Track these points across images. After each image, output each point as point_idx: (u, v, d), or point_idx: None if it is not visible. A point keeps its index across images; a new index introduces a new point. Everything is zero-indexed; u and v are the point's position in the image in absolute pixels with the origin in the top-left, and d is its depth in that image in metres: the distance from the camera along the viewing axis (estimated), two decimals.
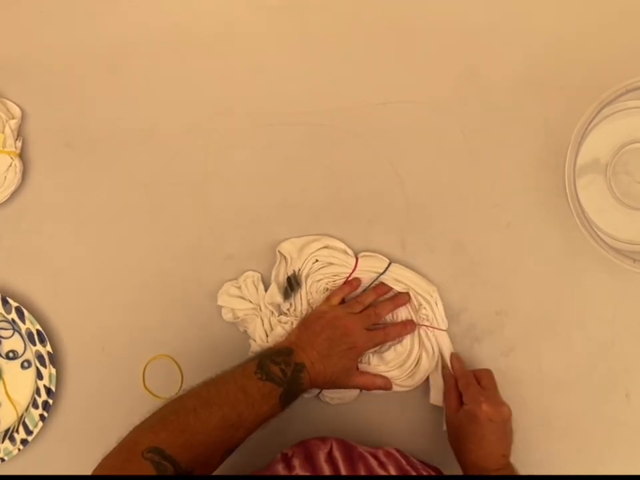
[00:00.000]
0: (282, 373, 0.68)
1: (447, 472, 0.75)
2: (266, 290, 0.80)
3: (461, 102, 0.81)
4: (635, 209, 0.79)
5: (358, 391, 0.80)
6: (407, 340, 0.79)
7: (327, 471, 0.61)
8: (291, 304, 0.79)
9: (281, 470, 0.62)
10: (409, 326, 0.78)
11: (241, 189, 0.82)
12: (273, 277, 0.80)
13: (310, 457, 0.63)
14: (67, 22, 0.83)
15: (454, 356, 0.79)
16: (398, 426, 0.81)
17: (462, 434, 0.72)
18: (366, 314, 0.77)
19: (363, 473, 0.61)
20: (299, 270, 0.79)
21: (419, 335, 0.79)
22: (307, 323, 0.76)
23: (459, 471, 0.73)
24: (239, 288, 0.80)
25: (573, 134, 0.71)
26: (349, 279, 0.79)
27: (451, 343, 0.80)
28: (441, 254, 0.81)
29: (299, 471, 0.61)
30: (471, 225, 0.81)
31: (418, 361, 0.79)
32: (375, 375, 0.77)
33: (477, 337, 0.81)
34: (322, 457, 0.63)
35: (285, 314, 0.79)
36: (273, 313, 0.79)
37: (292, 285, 0.79)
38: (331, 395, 0.79)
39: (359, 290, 0.80)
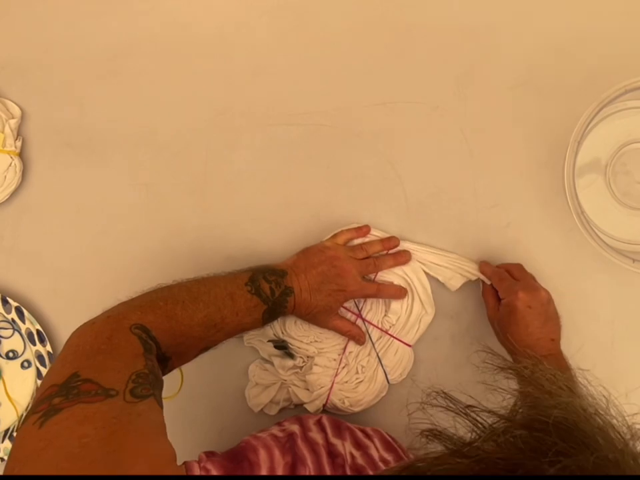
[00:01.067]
0: (270, 292, 0.69)
1: None
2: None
3: (461, 102, 0.81)
4: (634, 208, 0.79)
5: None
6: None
7: (314, 429, 0.62)
8: (296, 354, 0.79)
9: (274, 430, 0.62)
10: (402, 292, 0.78)
11: (241, 189, 0.82)
12: (266, 356, 0.80)
13: (300, 419, 0.65)
14: (67, 22, 0.83)
15: (482, 263, 0.79)
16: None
17: (506, 328, 0.72)
18: (365, 262, 0.77)
19: (348, 439, 0.61)
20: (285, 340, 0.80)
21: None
22: (308, 253, 0.76)
23: None
24: (256, 384, 0.80)
25: (572, 134, 0.71)
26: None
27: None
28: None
29: (286, 426, 0.62)
30: (471, 225, 0.81)
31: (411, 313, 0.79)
32: (353, 324, 0.77)
33: (477, 337, 0.81)
34: (311, 421, 0.64)
35: (303, 359, 0.80)
36: (296, 372, 0.79)
37: (281, 346, 0.80)
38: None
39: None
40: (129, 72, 0.83)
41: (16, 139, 0.81)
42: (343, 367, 0.78)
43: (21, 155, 0.82)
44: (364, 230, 0.79)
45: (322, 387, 0.78)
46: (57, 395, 0.47)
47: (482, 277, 0.78)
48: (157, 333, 0.59)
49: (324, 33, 0.82)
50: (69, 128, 0.83)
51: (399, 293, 0.78)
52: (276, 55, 0.83)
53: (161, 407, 0.52)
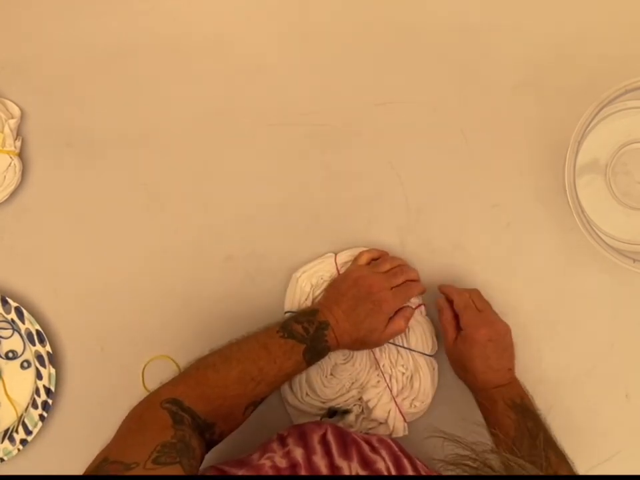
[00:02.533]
0: (304, 331, 0.70)
1: None
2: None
3: (461, 102, 0.81)
4: (635, 209, 0.79)
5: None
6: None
7: (319, 451, 0.61)
8: (350, 407, 0.78)
9: (275, 447, 0.62)
10: (423, 287, 0.78)
11: (240, 189, 0.82)
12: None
13: (304, 436, 0.64)
14: (67, 22, 0.83)
15: (446, 287, 0.78)
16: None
17: (465, 361, 0.73)
18: (392, 272, 0.76)
19: (355, 456, 0.61)
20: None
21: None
22: (335, 283, 0.77)
23: None
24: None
25: (572, 134, 0.71)
26: None
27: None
28: (440, 254, 0.81)
29: (291, 447, 0.62)
30: (471, 225, 0.81)
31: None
32: (399, 316, 0.75)
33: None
34: (316, 438, 0.63)
35: (358, 405, 0.79)
36: (364, 419, 0.78)
37: (333, 413, 0.78)
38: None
39: None
40: (128, 72, 0.83)
41: (15, 139, 0.81)
42: (390, 379, 0.78)
43: (21, 154, 0.82)
44: (383, 252, 0.80)
45: (389, 411, 0.77)
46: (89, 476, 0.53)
47: (441, 303, 0.77)
48: (190, 402, 0.61)
49: (324, 33, 0.82)
50: (69, 128, 0.83)
51: (422, 288, 0.78)
52: (276, 55, 0.82)
53: (191, 472, 0.54)
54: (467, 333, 0.73)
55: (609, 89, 0.70)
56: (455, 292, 0.77)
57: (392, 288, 0.75)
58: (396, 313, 0.75)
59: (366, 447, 0.63)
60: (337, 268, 0.79)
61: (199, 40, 0.83)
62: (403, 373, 0.78)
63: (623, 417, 0.81)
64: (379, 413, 0.77)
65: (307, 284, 0.79)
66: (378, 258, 0.79)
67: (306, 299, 0.79)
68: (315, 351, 0.70)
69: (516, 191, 0.81)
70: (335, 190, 0.82)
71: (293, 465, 0.60)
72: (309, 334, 0.70)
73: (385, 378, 0.78)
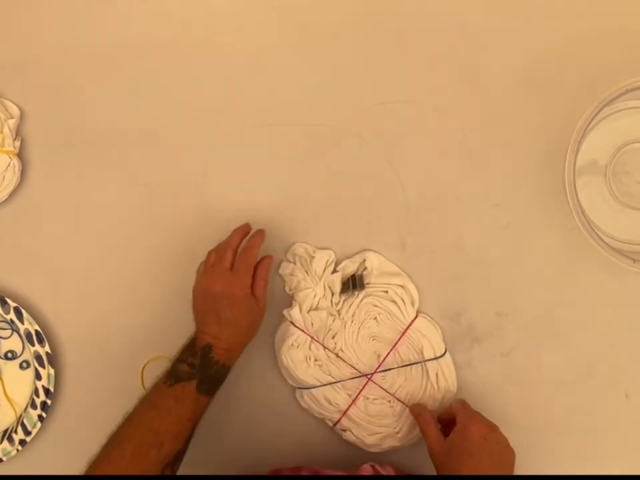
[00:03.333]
0: (190, 367, 0.68)
1: None
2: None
3: (461, 102, 0.81)
4: (635, 209, 0.79)
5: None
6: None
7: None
8: (341, 300, 0.79)
9: None
10: (260, 236, 0.76)
11: (241, 189, 0.82)
12: (341, 266, 0.80)
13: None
14: (67, 22, 0.83)
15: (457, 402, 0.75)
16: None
17: (454, 460, 0.67)
18: (218, 257, 0.73)
19: None
20: (368, 282, 0.79)
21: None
22: (193, 307, 0.75)
23: None
24: (313, 258, 0.79)
25: (572, 134, 0.71)
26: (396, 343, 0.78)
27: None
28: (440, 254, 0.81)
29: None
30: (471, 225, 0.81)
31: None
32: (257, 278, 0.73)
33: (477, 337, 0.81)
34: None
35: (331, 305, 0.79)
36: (324, 296, 0.79)
37: (354, 284, 0.79)
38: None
39: None
40: (128, 72, 0.83)
41: (15, 139, 0.81)
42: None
43: (20, 154, 0.81)
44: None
45: None
46: None
47: (416, 409, 0.76)
48: None
49: (324, 32, 0.82)
50: (69, 128, 0.83)
51: (259, 238, 0.76)
52: (276, 54, 0.82)
53: None
54: (463, 424, 0.69)
55: (609, 89, 0.70)
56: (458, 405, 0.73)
57: (230, 269, 0.72)
58: (253, 276, 0.73)
59: None
60: (304, 330, 0.78)
61: (198, 40, 0.83)
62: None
63: (623, 416, 0.81)
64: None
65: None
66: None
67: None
68: (209, 378, 0.69)
69: (516, 191, 0.81)
70: (335, 190, 0.82)
71: None
72: (196, 367, 0.68)
73: None
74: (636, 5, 0.79)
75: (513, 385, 0.79)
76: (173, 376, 0.68)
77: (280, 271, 0.81)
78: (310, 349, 0.78)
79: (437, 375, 0.78)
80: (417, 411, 0.76)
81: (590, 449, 0.80)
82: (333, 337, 0.79)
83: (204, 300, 0.73)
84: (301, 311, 0.78)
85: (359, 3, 0.82)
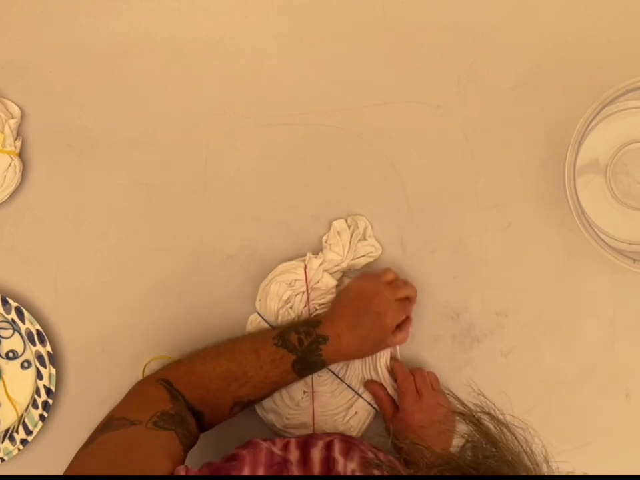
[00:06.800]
0: (298, 342, 0.70)
1: None
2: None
3: (461, 102, 0.81)
4: (635, 208, 0.79)
5: None
6: None
7: (319, 445, 0.62)
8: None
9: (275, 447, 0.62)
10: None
11: (240, 189, 0.82)
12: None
13: (309, 438, 0.64)
14: (67, 22, 0.83)
15: (396, 363, 0.78)
16: None
17: (400, 438, 0.73)
18: (395, 284, 0.76)
19: (355, 457, 0.61)
20: None
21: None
22: (339, 295, 0.77)
23: None
24: (364, 240, 0.80)
25: (573, 134, 0.71)
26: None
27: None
28: (441, 254, 0.81)
29: (291, 440, 0.62)
30: (471, 225, 0.81)
31: None
32: (402, 330, 0.76)
33: (477, 337, 0.81)
34: (320, 442, 0.63)
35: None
36: (341, 273, 0.80)
37: None
38: None
39: None
40: (129, 72, 0.83)
41: (15, 139, 0.81)
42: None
43: (21, 155, 0.81)
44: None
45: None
46: (97, 431, 0.62)
47: (374, 389, 0.78)
48: (178, 386, 0.67)
49: (324, 32, 0.82)
50: (69, 128, 0.83)
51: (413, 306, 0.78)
52: (276, 54, 0.82)
53: (183, 444, 0.61)
54: (402, 417, 0.74)
55: (609, 89, 0.70)
56: (400, 372, 0.77)
57: (395, 300, 0.74)
58: (397, 325, 0.75)
59: (370, 455, 0.63)
60: (307, 278, 0.79)
61: (198, 40, 0.83)
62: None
63: (623, 417, 0.81)
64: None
65: (280, 291, 0.79)
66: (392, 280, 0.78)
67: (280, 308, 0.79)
68: (306, 363, 0.70)
69: (516, 191, 0.81)
70: (335, 190, 0.82)
71: (285, 445, 0.60)
72: (303, 345, 0.70)
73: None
74: (636, 5, 0.79)
75: (512, 384, 0.79)
76: (281, 338, 0.71)
77: (334, 223, 0.80)
78: (295, 295, 0.79)
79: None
80: (374, 391, 0.78)
81: (590, 449, 0.80)
82: (316, 309, 0.79)
83: (358, 299, 0.74)
84: (319, 265, 0.78)
85: (359, 2, 0.82)
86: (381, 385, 0.78)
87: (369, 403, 0.79)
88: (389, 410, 0.77)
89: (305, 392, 0.78)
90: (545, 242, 0.81)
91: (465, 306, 0.81)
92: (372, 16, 0.82)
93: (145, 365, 0.82)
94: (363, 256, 0.80)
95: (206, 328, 0.81)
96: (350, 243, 0.79)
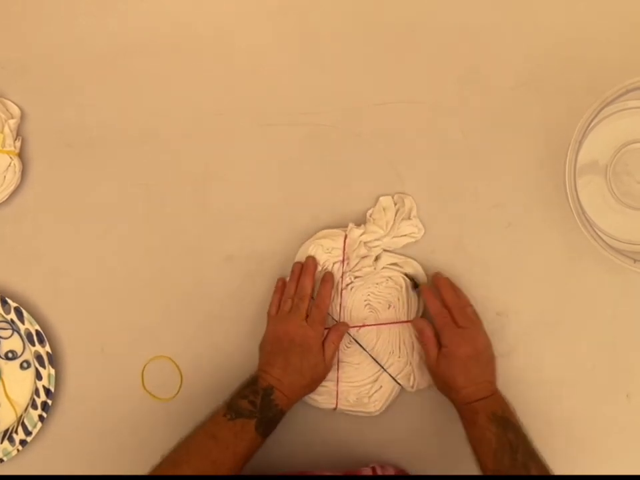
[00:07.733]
0: (251, 405, 0.69)
1: None
2: None
3: (461, 102, 0.81)
4: (634, 208, 0.79)
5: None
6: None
7: None
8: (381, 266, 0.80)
9: None
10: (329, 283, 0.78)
11: (240, 189, 0.82)
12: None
13: None
14: (67, 22, 0.83)
15: (426, 293, 0.78)
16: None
17: (447, 377, 0.73)
18: (295, 305, 0.75)
19: None
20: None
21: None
22: (260, 347, 0.77)
23: None
24: (408, 220, 0.80)
25: (573, 134, 0.71)
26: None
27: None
28: (441, 254, 0.81)
29: None
30: (471, 225, 0.81)
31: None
32: (328, 340, 0.76)
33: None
34: None
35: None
36: (379, 250, 0.80)
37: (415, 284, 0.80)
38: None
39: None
40: (129, 72, 0.83)
41: (15, 139, 0.81)
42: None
43: (21, 155, 0.82)
44: (279, 285, 0.79)
45: None
46: None
47: (419, 324, 0.77)
48: None
49: (324, 32, 0.82)
50: (69, 128, 0.83)
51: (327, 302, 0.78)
52: (276, 54, 0.83)
53: None
54: (448, 351, 0.73)
55: (609, 89, 0.70)
56: (433, 306, 0.76)
57: (306, 319, 0.74)
58: (326, 336, 0.76)
59: None
60: (344, 248, 0.79)
61: (198, 40, 0.83)
62: None
63: (623, 416, 0.80)
64: None
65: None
66: (281, 297, 0.78)
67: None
68: (267, 420, 0.70)
69: (516, 191, 0.81)
70: (335, 190, 0.82)
71: None
72: (257, 406, 0.69)
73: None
74: (636, 4, 0.79)
75: (512, 384, 0.79)
76: (232, 410, 0.69)
77: (381, 199, 0.80)
78: (333, 264, 0.79)
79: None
80: (419, 326, 0.77)
81: (590, 449, 0.80)
82: (351, 281, 0.80)
83: (276, 343, 0.74)
84: (360, 235, 0.78)
85: (359, 3, 0.82)
86: (429, 323, 0.77)
87: (394, 378, 0.79)
88: (434, 350, 0.75)
89: None
90: (545, 242, 0.81)
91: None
92: (372, 16, 0.82)
93: (145, 365, 0.82)
94: (405, 235, 0.80)
95: (205, 328, 0.81)
96: (394, 220, 0.79)
